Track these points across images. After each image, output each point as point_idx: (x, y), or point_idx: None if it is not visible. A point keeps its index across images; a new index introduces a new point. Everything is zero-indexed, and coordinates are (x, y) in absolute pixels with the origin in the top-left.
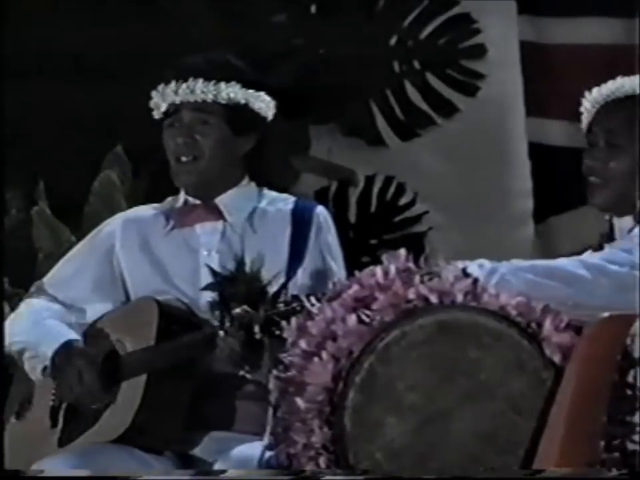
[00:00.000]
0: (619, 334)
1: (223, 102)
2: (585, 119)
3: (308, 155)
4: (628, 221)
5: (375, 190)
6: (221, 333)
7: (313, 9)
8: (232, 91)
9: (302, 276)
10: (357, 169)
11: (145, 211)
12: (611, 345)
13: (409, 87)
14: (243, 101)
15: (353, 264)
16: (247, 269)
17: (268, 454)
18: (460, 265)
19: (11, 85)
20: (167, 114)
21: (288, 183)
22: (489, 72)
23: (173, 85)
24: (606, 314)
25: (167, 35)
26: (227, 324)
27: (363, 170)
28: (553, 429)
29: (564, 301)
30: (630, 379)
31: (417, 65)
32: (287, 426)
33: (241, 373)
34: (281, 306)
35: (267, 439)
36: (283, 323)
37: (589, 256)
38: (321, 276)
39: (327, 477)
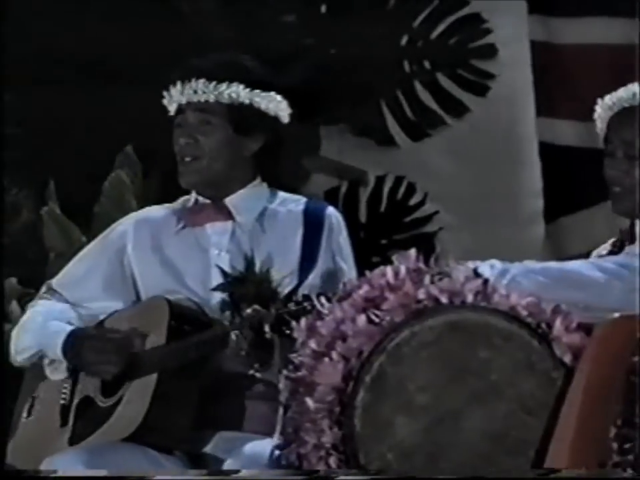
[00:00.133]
0: (629, 334)
1: (226, 102)
2: (600, 126)
3: (318, 155)
4: None
5: (386, 190)
6: (232, 332)
7: (324, 9)
8: (234, 91)
9: (313, 276)
10: (367, 169)
11: (157, 211)
12: (621, 345)
13: (419, 87)
14: (246, 101)
15: (363, 264)
16: (257, 269)
17: (277, 452)
18: (471, 265)
19: (21, 86)
20: (176, 114)
21: (298, 183)
22: (499, 72)
23: (178, 85)
24: (616, 314)
25: (178, 35)
26: (238, 323)
27: (374, 170)
28: (564, 429)
29: (575, 304)
30: None
31: (427, 65)
32: (297, 426)
33: (251, 371)
34: (292, 305)
35: (276, 439)
36: (293, 322)
37: (602, 259)
38: (331, 277)
39: (341, 477)
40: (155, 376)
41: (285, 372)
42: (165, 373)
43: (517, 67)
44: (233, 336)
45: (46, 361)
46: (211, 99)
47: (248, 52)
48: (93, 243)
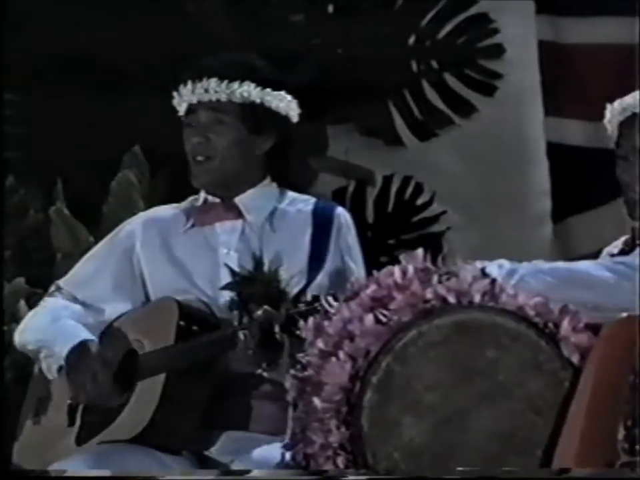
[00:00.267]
0: (636, 334)
1: (238, 101)
2: (611, 130)
3: (326, 155)
4: None
5: (393, 190)
6: (241, 331)
7: (331, 8)
8: (246, 90)
9: (322, 276)
10: (374, 168)
11: (166, 210)
12: (628, 345)
13: (426, 86)
14: (258, 100)
15: (370, 264)
16: (265, 268)
17: (288, 456)
18: (478, 265)
19: (28, 86)
20: (186, 114)
21: (306, 183)
22: (507, 72)
23: (189, 85)
24: (624, 314)
25: (186, 35)
26: (246, 323)
27: (381, 170)
28: (571, 429)
29: (583, 304)
30: None
31: (434, 64)
32: (305, 426)
33: (259, 371)
34: (302, 305)
35: (287, 438)
36: (301, 322)
37: (611, 259)
38: (340, 276)
39: (350, 477)
40: (163, 376)
41: (292, 371)
42: (173, 373)
43: (524, 67)
44: (241, 335)
45: (42, 354)
46: (223, 98)
47: (255, 52)
48: (101, 243)
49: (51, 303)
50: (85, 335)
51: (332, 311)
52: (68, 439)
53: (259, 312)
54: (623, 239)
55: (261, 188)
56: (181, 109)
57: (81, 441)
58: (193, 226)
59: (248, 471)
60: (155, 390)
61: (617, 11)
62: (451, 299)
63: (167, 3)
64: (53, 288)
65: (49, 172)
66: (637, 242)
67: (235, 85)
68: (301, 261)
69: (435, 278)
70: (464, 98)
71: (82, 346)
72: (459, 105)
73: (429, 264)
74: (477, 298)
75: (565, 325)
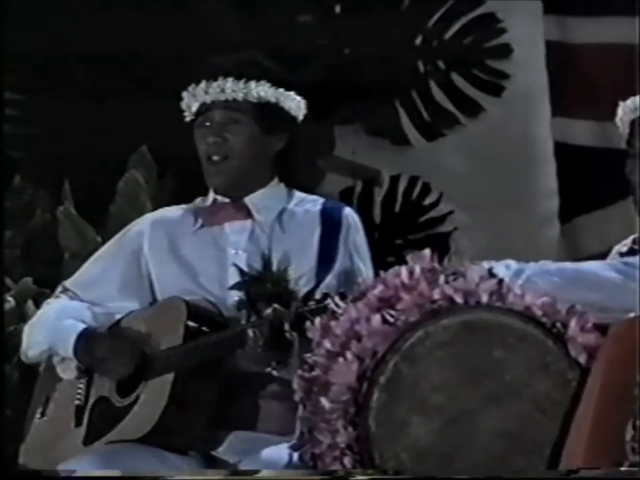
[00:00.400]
0: None
1: (253, 101)
2: (622, 129)
3: (333, 155)
4: None
5: (400, 190)
6: (250, 330)
7: (338, 9)
8: (262, 90)
9: (331, 276)
10: (381, 169)
11: (173, 211)
12: (636, 345)
13: (433, 86)
14: (273, 100)
15: (378, 264)
16: (274, 268)
17: (295, 456)
18: (486, 265)
19: (36, 86)
20: (197, 114)
21: (313, 183)
22: (514, 72)
23: (203, 84)
24: (632, 314)
25: (193, 36)
26: (255, 321)
27: (388, 170)
28: (579, 429)
29: (591, 304)
30: None
31: (441, 64)
32: (312, 426)
33: (268, 370)
34: (313, 304)
35: (295, 439)
36: (308, 322)
37: (618, 259)
38: (349, 276)
39: (358, 477)
40: (171, 376)
41: (299, 372)
42: (181, 372)
43: (532, 67)
44: (250, 333)
45: (56, 359)
46: (240, 97)
47: (263, 52)
48: (108, 244)
49: (49, 308)
50: (82, 326)
51: (339, 311)
52: (75, 439)
53: (269, 310)
54: (632, 237)
55: (270, 188)
56: (192, 109)
57: (88, 441)
58: (202, 226)
59: (257, 471)
60: (163, 390)
61: (624, 11)
62: (458, 299)
63: (174, 3)
64: (59, 289)
65: (56, 172)
66: None
67: (252, 84)
68: (310, 261)
69: (442, 278)
70: (471, 98)
71: (84, 333)
72: (466, 105)
73: (436, 264)
74: (484, 298)
75: (573, 325)
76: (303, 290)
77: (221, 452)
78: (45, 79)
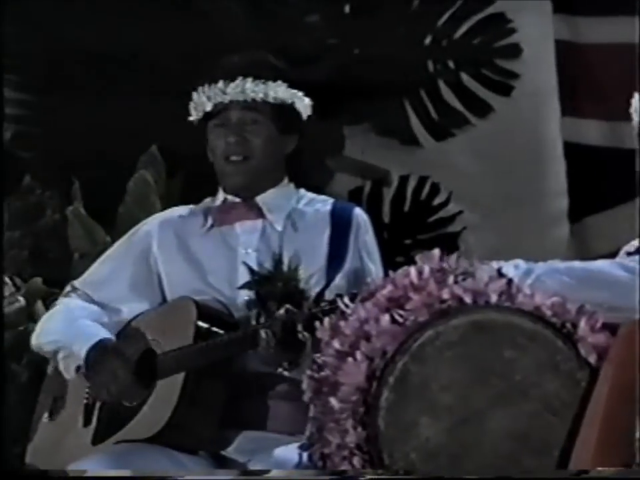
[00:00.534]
0: None
1: (271, 101)
2: (636, 120)
3: (342, 154)
4: None
5: (409, 190)
6: (262, 330)
7: (347, 8)
8: (280, 90)
9: (341, 276)
10: (390, 168)
11: (182, 211)
12: None
13: (443, 86)
14: (289, 101)
15: (387, 264)
16: (285, 267)
17: (305, 456)
18: (495, 265)
19: (44, 86)
20: (210, 114)
21: (322, 183)
22: (523, 71)
23: (220, 84)
24: None
25: (202, 36)
26: (268, 321)
27: (397, 170)
28: (588, 430)
29: (600, 304)
30: None
31: (451, 64)
32: (321, 426)
33: (280, 370)
34: (325, 304)
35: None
36: (318, 323)
37: (627, 259)
38: (359, 276)
39: (367, 477)
40: (181, 376)
41: (308, 372)
42: (191, 373)
43: (541, 67)
44: (262, 334)
45: (61, 355)
46: (259, 97)
47: (272, 52)
48: (118, 243)
49: (67, 304)
50: (104, 333)
51: (348, 311)
52: (83, 438)
53: (281, 311)
54: None
55: (280, 188)
56: (205, 108)
57: (97, 440)
58: (212, 226)
59: (266, 471)
60: (173, 390)
61: (633, 11)
62: (468, 299)
63: (184, 3)
64: (68, 288)
65: (65, 172)
66: None
67: (271, 84)
68: (320, 261)
69: (451, 278)
70: (480, 98)
71: (101, 344)
72: (475, 104)
73: (445, 264)
74: (494, 298)
75: (583, 324)
76: (313, 289)
77: (231, 452)
78: (55, 79)
